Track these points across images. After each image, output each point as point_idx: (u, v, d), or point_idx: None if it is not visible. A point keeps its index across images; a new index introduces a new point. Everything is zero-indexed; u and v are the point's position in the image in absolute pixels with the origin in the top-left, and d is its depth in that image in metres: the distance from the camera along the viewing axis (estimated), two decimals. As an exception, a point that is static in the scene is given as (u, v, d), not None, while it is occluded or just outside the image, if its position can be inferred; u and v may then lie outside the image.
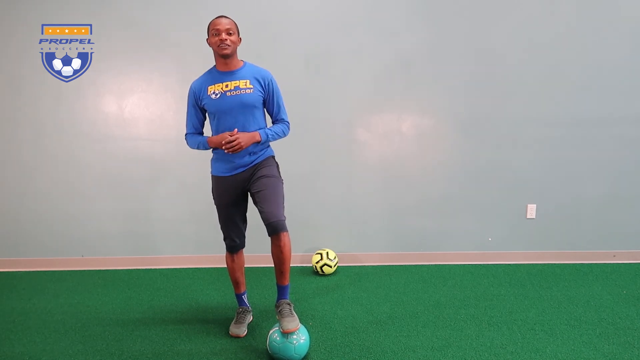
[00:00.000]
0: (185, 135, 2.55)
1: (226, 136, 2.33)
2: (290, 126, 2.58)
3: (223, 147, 2.34)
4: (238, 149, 2.34)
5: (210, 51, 2.51)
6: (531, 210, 3.70)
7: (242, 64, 2.45)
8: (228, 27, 2.33)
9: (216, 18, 2.36)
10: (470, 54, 3.52)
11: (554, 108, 3.58)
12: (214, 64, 2.47)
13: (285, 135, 2.55)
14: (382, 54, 3.51)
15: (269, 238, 2.33)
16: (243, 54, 2.53)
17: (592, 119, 3.59)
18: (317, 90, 3.54)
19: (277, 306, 2.40)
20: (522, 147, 3.62)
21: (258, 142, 2.43)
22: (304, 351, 2.30)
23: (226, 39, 2.31)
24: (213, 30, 2.34)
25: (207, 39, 2.40)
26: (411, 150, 3.64)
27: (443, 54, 3.52)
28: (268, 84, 2.45)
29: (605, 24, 3.49)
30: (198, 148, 2.50)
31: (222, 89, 2.38)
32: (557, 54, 3.52)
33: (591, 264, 3.67)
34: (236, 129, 2.37)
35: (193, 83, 2.47)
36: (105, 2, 3.42)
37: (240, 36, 2.44)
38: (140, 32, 3.46)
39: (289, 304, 2.39)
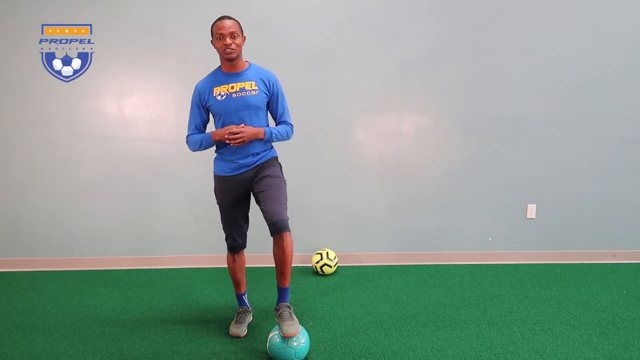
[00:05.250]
0: (187, 137, 2.51)
1: (231, 127, 2.33)
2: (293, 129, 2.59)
3: (226, 138, 2.33)
4: (240, 141, 2.34)
5: (211, 50, 2.51)
6: (531, 210, 3.70)
7: (247, 65, 2.45)
8: (232, 30, 2.31)
9: (219, 20, 2.33)
10: (470, 53, 3.52)
11: (554, 108, 3.58)
12: (219, 64, 2.46)
13: (289, 137, 2.55)
14: (382, 54, 3.51)
15: (271, 238, 2.33)
16: (243, 53, 2.52)
17: (592, 118, 3.59)
18: (317, 90, 3.54)
19: (276, 309, 2.39)
20: (522, 147, 3.62)
21: (261, 139, 2.43)
22: (304, 354, 2.30)
23: (231, 44, 2.30)
24: (217, 34, 2.32)
25: (211, 41, 2.39)
26: (411, 150, 3.64)
27: (443, 54, 3.52)
28: (273, 85, 2.46)
29: (605, 23, 3.49)
30: (200, 147, 2.47)
31: (227, 90, 2.38)
32: (557, 54, 3.52)
33: (591, 264, 3.67)
34: (243, 124, 2.38)
35: (198, 83, 2.46)
36: (105, 2, 3.42)
37: (244, 35, 2.43)
38: (141, 32, 3.46)
39: (288, 307, 2.37)
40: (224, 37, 2.30)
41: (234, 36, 2.32)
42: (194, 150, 2.51)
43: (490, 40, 3.52)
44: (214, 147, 2.53)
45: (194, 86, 2.48)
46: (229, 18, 2.35)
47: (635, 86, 3.56)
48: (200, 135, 2.46)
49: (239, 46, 2.36)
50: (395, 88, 3.57)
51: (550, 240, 3.73)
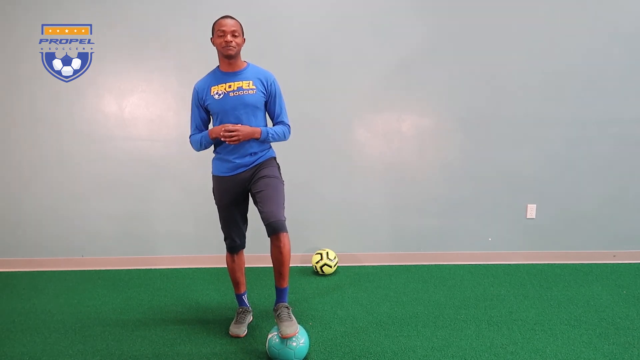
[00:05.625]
0: (189, 137, 2.53)
1: (227, 125, 2.34)
2: (292, 130, 2.58)
3: (221, 135, 2.34)
4: (236, 140, 2.34)
5: (211, 51, 2.51)
6: (531, 210, 3.70)
7: (245, 64, 2.46)
8: (233, 28, 2.33)
9: (221, 18, 2.36)
10: (470, 53, 3.52)
11: (554, 108, 3.58)
12: (217, 64, 2.47)
13: (285, 138, 2.55)
14: (382, 54, 3.51)
15: (269, 239, 2.33)
16: (243, 53, 2.53)
17: (592, 118, 3.59)
18: (317, 90, 3.54)
19: (275, 310, 2.39)
20: (522, 147, 3.62)
21: (257, 139, 2.43)
22: (303, 354, 2.30)
23: (231, 41, 2.32)
24: (218, 31, 2.34)
25: (211, 39, 2.40)
26: (411, 150, 3.64)
27: (443, 54, 3.52)
28: (270, 84, 2.46)
29: (605, 24, 3.49)
30: (201, 145, 2.48)
31: (225, 89, 2.39)
32: (557, 54, 3.51)
33: (591, 264, 3.67)
34: (239, 123, 2.39)
35: (197, 83, 2.48)
36: (105, 2, 3.42)
37: (244, 37, 2.44)
38: (141, 32, 3.46)
39: (287, 307, 2.38)
40: (225, 34, 2.32)
41: (235, 35, 2.35)
42: (197, 149, 2.53)
43: (490, 40, 3.51)
44: (213, 148, 2.54)
45: (193, 86, 2.48)
46: (232, 18, 2.38)
47: (635, 86, 3.56)
48: (200, 134, 2.47)
49: (239, 45, 2.38)
50: (395, 88, 3.56)
51: (550, 240, 3.73)
